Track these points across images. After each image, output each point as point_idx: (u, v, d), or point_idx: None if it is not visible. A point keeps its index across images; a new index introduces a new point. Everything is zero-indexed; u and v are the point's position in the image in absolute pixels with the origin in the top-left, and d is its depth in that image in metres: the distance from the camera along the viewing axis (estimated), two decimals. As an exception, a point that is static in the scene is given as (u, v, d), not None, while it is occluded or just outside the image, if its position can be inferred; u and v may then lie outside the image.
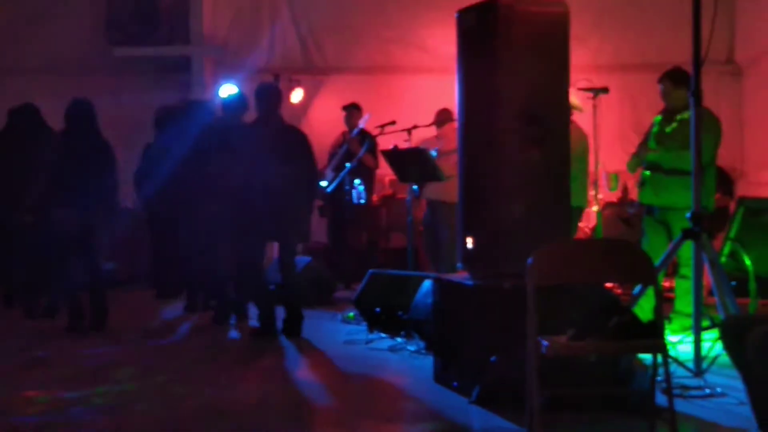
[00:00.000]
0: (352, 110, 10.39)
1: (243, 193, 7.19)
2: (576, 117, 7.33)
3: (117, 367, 6.30)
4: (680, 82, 6.84)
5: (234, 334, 7.60)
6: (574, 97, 7.14)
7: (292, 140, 7.36)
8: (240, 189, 7.20)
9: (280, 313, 7.38)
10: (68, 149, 7.52)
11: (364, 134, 10.11)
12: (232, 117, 8.02)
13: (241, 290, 7.97)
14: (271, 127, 7.33)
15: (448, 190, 8.34)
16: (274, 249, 10.78)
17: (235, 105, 8.09)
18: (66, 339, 7.33)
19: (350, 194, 10.00)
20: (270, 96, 7.42)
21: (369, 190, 10.23)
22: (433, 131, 9.32)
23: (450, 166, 8.30)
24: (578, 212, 7.95)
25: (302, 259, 9.38)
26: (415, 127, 8.91)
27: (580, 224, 9.73)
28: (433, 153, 8.55)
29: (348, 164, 9.70)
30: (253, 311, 7.65)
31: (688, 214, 5.62)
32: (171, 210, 8.42)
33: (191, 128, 8.10)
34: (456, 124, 8.86)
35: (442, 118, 9.20)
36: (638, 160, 7.22)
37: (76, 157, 7.46)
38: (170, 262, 9.20)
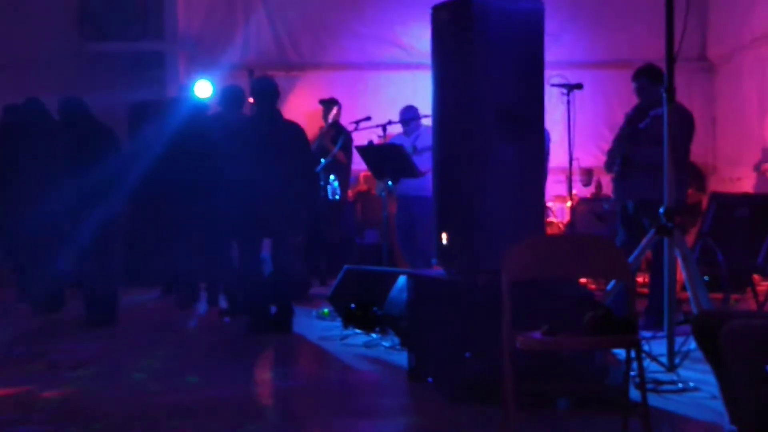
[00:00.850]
0: (329, 105, 10.38)
1: (242, 188, 7.18)
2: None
3: (91, 363, 6.27)
4: (656, 79, 6.88)
5: (207, 327, 7.61)
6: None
7: (291, 135, 7.36)
8: (239, 184, 7.20)
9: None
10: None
11: (339, 129, 10.10)
12: (230, 111, 8.00)
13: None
14: (271, 123, 7.33)
15: (425, 185, 8.38)
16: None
17: (233, 99, 8.06)
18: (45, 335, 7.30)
19: (325, 190, 9.99)
20: (268, 91, 7.41)
21: (344, 186, 10.22)
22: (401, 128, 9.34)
23: (423, 161, 8.33)
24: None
25: (277, 255, 9.37)
26: (390, 123, 8.91)
27: (554, 220, 9.80)
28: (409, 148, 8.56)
29: (323, 160, 9.68)
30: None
31: (661, 210, 5.66)
32: (154, 207, 8.38)
33: (171, 124, 8.07)
34: (422, 120, 9.00)
35: (408, 116, 9.21)
36: (612, 158, 7.26)
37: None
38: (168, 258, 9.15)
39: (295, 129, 7.46)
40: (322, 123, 10.38)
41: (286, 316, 7.34)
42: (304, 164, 7.42)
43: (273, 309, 7.39)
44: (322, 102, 10.43)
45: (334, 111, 10.17)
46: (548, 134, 7.97)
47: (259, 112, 7.47)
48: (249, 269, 7.40)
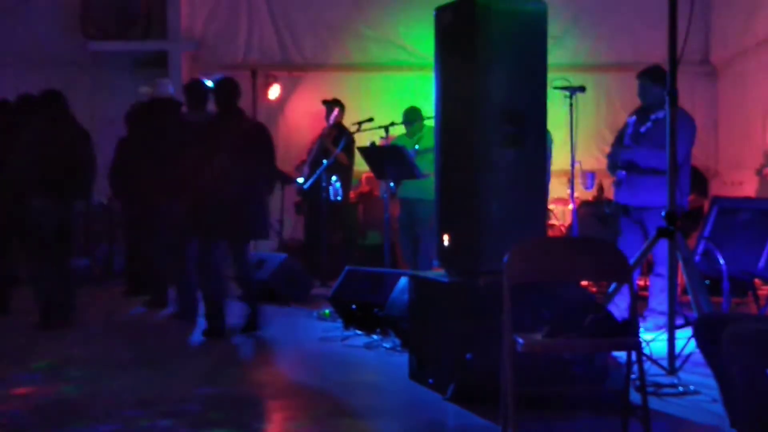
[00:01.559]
0: (331, 106, 10.39)
1: (199, 190, 7.06)
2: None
3: (68, 363, 6.26)
4: (658, 80, 6.88)
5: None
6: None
7: (252, 136, 7.16)
8: (197, 185, 7.07)
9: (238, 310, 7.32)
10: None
11: (341, 130, 10.10)
12: (192, 108, 7.94)
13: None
14: (231, 123, 7.16)
15: (428, 187, 8.38)
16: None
17: (195, 96, 8.00)
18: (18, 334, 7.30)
19: (327, 191, 10.00)
20: (229, 90, 7.22)
21: (345, 187, 10.22)
22: (402, 129, 9.34)
23: (426, 163, 8.33)
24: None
25: (278, 256, 9.37)
26: (392, 124, 8.91)
27: (555, 222, 9.80)
28: (411, 152, 8.56)
29: (325, 161, 9.68)
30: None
31: (662, 213, 5.66)
32: (142, 206, 8.37)
33: (162, 124, 8.06)
34: (426, 122, 9.01)
35: (411, 117, 9.22)
36: (613, 160, 7.26)
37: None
38: (141, 258, 9.13)
39: (258, 129, 7.28)
40: (324, 124, 10.38)
41: (253, 317, 7.19)
42: (263, 166, 7.20)
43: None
44: (325, 103, 10.43)
45: (336, 112, 10.17)
46: (550, 137, 7.97)
47: (220, 111, 7.24)
48: (206, 272, 7.19)
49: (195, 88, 8.10)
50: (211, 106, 7.64)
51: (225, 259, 7.31)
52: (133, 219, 8.93)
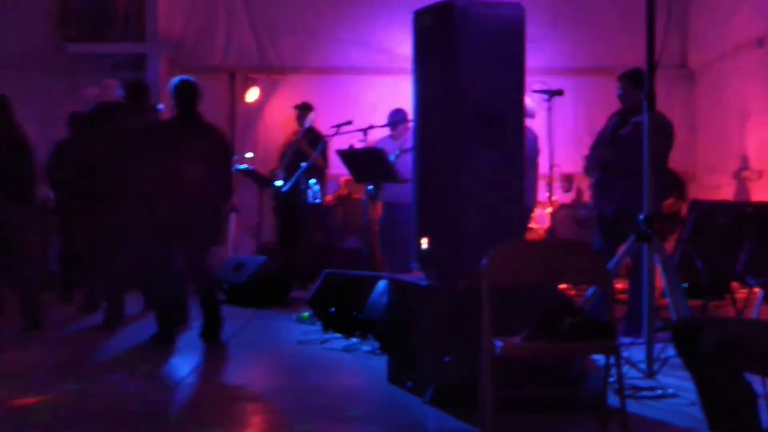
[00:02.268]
0: (304, 110, 10.39)
1: (152, 194, 6.90)
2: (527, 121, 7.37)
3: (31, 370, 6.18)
4: (639, 83, 6.89)
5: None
6: (529, 101, 7.19)
7: (209, 140, 7.02)
8: (150, 190, 6.92)
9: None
10: None
11: (315, 134, 10.10)
12: (135, 107, 7.88)
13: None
14: (187, 126, 7.01)
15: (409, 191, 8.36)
16: (228, 248, 10.81)
17: (134, 93, 7.95)
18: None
19: (306, 194, 9.98)
20: (188, 92, 7.02)
21: (321, 190, 10.23)
22: (387, 131, 9.33)
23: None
24: (527, 212, 8.02)
25: (256, 259, 9.36)
26: (371, 127, 8.91)
27: (534, 225, 9.82)
28: (392, 158, 8.53)
29: (303, 164, 9.67)
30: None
31: (640, 217, 5.67)
32: (80, 208, 8.30)
33: (112, 128, 8.01)
34: (409, 125, 9.00)
35: (397, 118, 9.21)
36: (591, 163, 7.27)
37: None
38: (75, 262, 9.05)
39: (215, 133, 7.12)
40: (296, 128, 10.38)
41: (213, 326, 6.99)
42: (219, 171, 7.02)
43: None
44: (298, 107, 10.43)
45: (311, 116, 10.17)
46: (537, 139, 7.98)
47: (179, 114, 7.05)
48: (159, 278, 7.06)
49: (137, 87, 8.05)
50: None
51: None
52: (72, 224, 8.81)
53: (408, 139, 8.94)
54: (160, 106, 8.80)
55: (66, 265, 9.42)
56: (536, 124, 8.11)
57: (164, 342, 6.89)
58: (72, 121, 9.02)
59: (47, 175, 9.03)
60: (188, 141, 6.93)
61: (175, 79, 7.14)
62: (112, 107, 8.13)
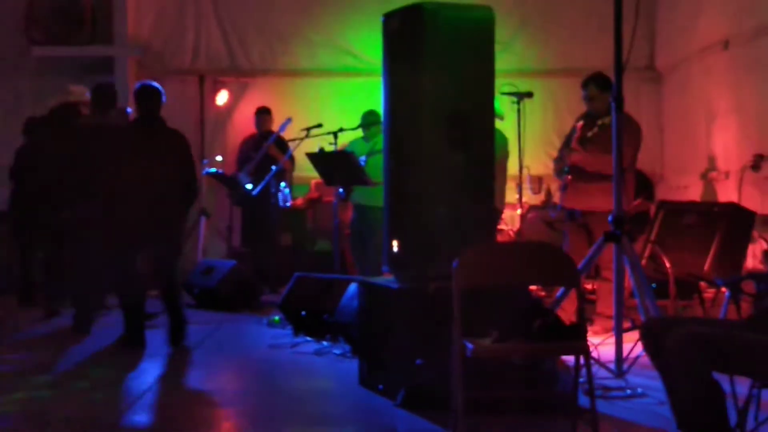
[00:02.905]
0: (264, 114, 10.38)
1: (113, 197, 6.90)
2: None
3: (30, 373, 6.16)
4: (605, 87, 6.96)
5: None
6: (499, 105, 7.22)
7: (172, 144, 7.02)
8: (111, 193, 6.92)
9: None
10: None
11: (281, 139, 10.13)
12: (99, 111, 7.84)
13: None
14: (149, 130, 7.02)
15: (378, 194, 8.37)
16: (198, 252, 10.75)
17: (100, 98, 7.91)
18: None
19: (276, 197, 9.96)
20: (150, 97, 7.04)
21: (290, 192, 10.26)
22: (358, 133, 9.32)
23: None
24: (497, 214, 8.05)
25: (227, 263, 9.32)
26: (341, 130, 8.89)
27: (504, 227, 9.85)
28: (363, 159, 8.53)
29: (273, 167, 9.65)
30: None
31: (609, 218, 5.71)
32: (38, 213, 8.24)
33: (63, 130, 7.97)
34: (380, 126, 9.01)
35: (369, 120, 9.21)
36: (560, 165, 7.31)
37: None
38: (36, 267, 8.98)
39: (177, 138, 7.10)
40: (254, 131, 10.40)
41: (178, 329, 6.98)
42: (183, 175, 7.01)
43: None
44: (257, 111, 10.43)
45: (287, 120, 10.17)
46: (505, 141, 8.01)
47: (138, 117, 7.12)
48: (124, 281, 7.03)
49: (104, 90, 8.01)
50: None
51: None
52: (32, 228, 8.73)
53: (379, 141, 8.96)
54: (129, 109, 8.75)
55: (26, 269, 9.32)
56: (506, 127, 8.14)
57: (134, 344, 6.86)
58: (27, 127, 8.97)
59: (10, 179, 8.98)
60: (149, 144, 6.93)
61: (138, 84, 7.20)
62: (69, 108, 8.10)
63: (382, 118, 9.01)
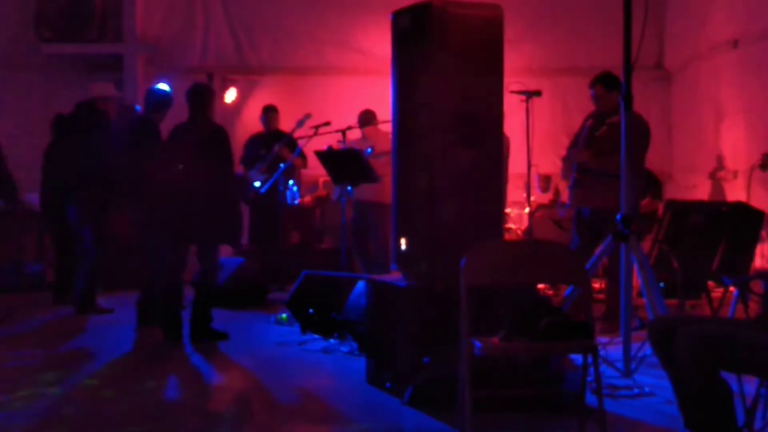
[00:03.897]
0: (271, 112, 10.39)
1: (164, 193, 7.07)
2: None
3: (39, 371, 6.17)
4: (613, 87, 6.96)
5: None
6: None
7: (218, 142, 7.17)
8: (162, 189, 7.09)
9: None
10: None
11: (291, 138, 10.11)
12: (152, 113, 7.92)
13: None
14: (197, 128, 7.18)
15: (382, 191, 8.38)
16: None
17: (157, 101, 7.98)
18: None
19: (284, 195, 9.96)
20: (199, 96, 7.26)
21: (299, 190, 10.26)
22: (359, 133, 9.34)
23: (381, 166, 8.33)
24: None
25: (235, 261, 9.33)
26: (349, 128, 8.90)
27: (512, 225, 9.86)
28: (368, 150, 8.56)
29: (282, 165, 9.65)
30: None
31: (618, 217, 5.70)
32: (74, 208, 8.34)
33: (96, 129, 8.01)
34: (380, 126, 9.02)
35: (365, 119, 9.21)
36: (568, 165, 7.31)
37: None
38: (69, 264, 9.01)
39: (221, 135, 7.24)
40: (261, 128, 10.40)
41: (200, 326, 7.09)
42: (228, 170, 7.26)
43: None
44: (264, 110, 10.43)
45: (305, 117, 10.16)
46: (509, 141, 8.01)
47: (191, 115, 7.26)
48: (168, 276, 7.18)
49: (155, 94, 8.10)
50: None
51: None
52: (65, 227, 8.77)
53: (378, 141, 8.96)
54: (137, 107, 8.78)
55: (61, 268, 9.34)
56: (513, 125, 8.13)
57: (173, 338, 7.04)
58: (56, 125, 9.00)
59: (42, 180, 9.03)
60: (197, 142, 7.11)
61: (192, 83, 7.48)
62: (94, 106, 8.17)
63: (377, 118, 9.13)
